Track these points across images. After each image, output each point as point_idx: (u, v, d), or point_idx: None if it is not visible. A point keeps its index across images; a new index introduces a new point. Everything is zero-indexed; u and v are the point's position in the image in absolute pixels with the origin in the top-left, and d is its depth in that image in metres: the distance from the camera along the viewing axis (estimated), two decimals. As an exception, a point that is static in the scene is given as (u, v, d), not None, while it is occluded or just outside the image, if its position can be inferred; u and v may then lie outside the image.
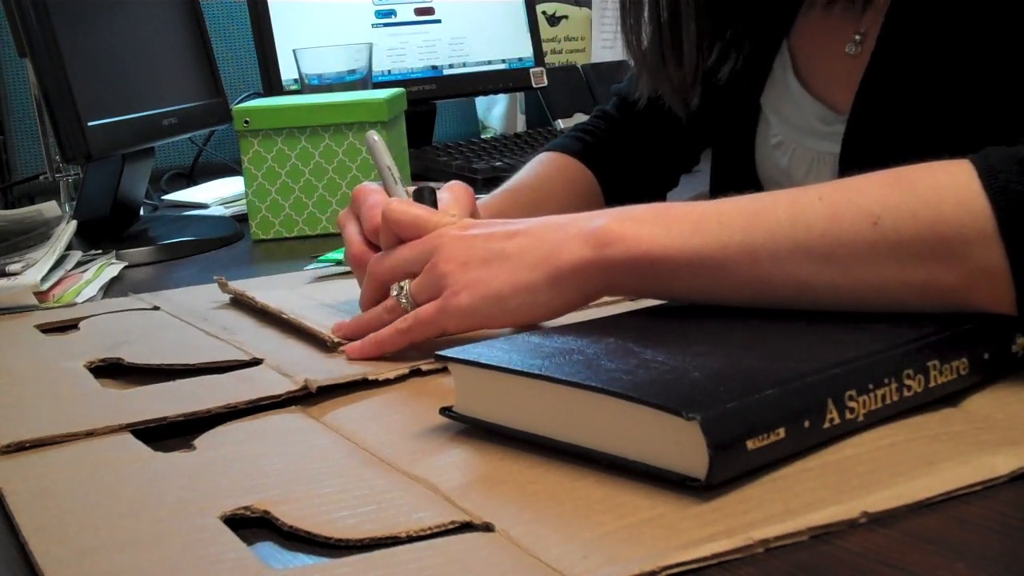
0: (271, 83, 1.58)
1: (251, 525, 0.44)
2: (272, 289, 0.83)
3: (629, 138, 1.04)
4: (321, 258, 0.95)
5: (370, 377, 0.60)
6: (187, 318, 0.79)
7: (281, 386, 0.59)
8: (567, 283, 0.60)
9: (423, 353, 0.63)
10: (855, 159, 0.81)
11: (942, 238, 0.53)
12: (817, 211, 0.56)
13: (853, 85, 0.82)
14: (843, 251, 0.55)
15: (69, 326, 0.81)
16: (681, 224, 0.58)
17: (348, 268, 0.79)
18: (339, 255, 0.92)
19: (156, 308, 0.84)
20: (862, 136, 0.81)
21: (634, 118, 1.03)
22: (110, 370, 0.68)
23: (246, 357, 0.66)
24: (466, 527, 0.42)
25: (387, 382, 0.60)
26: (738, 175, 0.93)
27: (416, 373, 0.61)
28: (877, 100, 0.80)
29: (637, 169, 1.04)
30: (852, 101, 0.81)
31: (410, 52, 1.71)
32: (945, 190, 0.54)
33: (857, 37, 0.85)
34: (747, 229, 0.57)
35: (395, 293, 0.65)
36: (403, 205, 0.67)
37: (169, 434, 0.55)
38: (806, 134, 0.88)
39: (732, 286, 0.58)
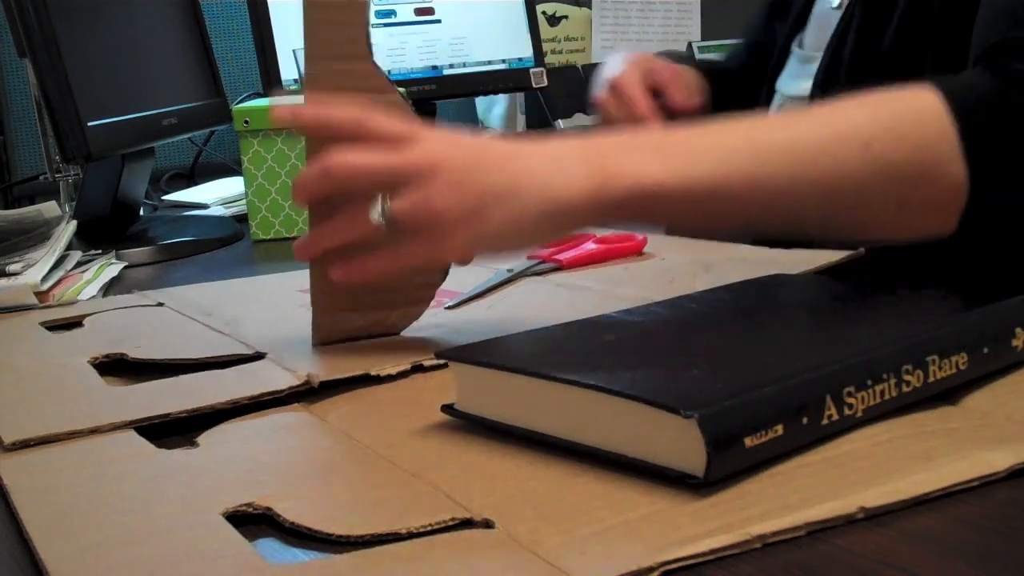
0: (271, 83, 1.59)
1: (253, 522, 0.44)
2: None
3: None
4: None
5: (372, 372, 0.60)
6: (191, 314, 0.79)
7: (283, 381, 0.60)
8: (564, 218, 0.59)
9: (424, 349, 0.63)
10: (830, 89, 0.87)
11: (923, 160, 0.60)
12: (813, 136, 0.60)
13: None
14: (838, 171, 0.59)
15: (74, 323, 0.81)
16: (683, 154, 0.59)
17: None
18: None
19: (160, 304, 0.84)
20: (830, 73, 0.87)
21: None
22: (114, 366, 0.68)
23: (249, 351, 0.67)
24: (466, 524, 0.42)
25: (389, 378, 0.61)
26: None
27: (418, 368, 0.61)
28: (856, 28, 0.86)
29: None
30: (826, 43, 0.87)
31: (410, 52, 1.72)
32: (922, 115, 0.60)
33: None
34: (748, 158, 0.59)
35: (376, 216, 0.60)
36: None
37: (172, 431, 0.55)
38: (794, 87, 0.93)
39: (731, 214, 0.61)
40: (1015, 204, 0.62)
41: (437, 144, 0.60)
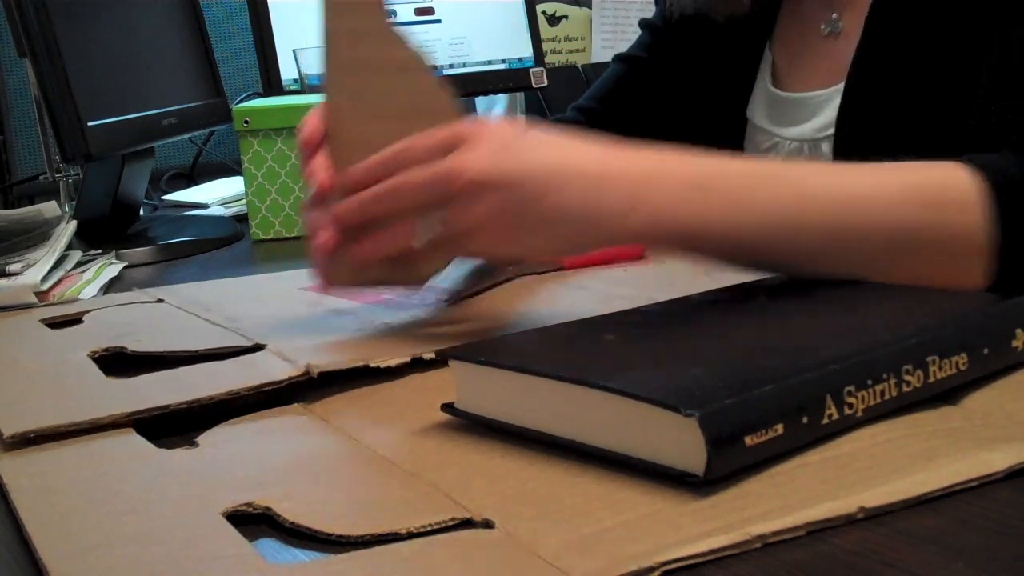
0: (271, 83, 1.58)
1: (252, 522, 0.44)
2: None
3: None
4: None
5: (372, 364, 0.60)
6: (191, 309, 0.79)
7: (282, 371, 0.60)
8: (599, 244, 0.62)
9: (424, 342, 0.63)
10: (852, 129, 0.84)
11: (963, 246, 0.62)
12: (855, 217, 0.61)
13: (834, 62, 0.86)
14: (879, 254, 0.62)
15: (74, 320, 0.81)
16: (728, 200, 0.60)
17: None
18: None
19: (160, 301, 0.84)
20: (858, 105, 0.83)
21: (607, 120, 1.03)
22: (114, 360, 0.69)
23: (248, 343, 0.67)
24: (466, 524, 0.42)
25: (388, 370, 0.61)
26: None
27: (418, 361, 0.61)
28: (872, 69, 0.83)
29: None
30: (846, 73, 0.84)
31: (410, 52, 1.71)
32: (964, 203, 0.62)
33: (834, 16, 0.88)
34: (785, 218, 0.60)
35: (422, 235, 0.61)
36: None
37: (172, 431, 0.55)
38: (796, 130, 0.90)
39: (758, 262, 0.63)
40: None
41: (479, 161, 0.59)
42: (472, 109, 2.07)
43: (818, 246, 0.61)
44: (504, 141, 0.59)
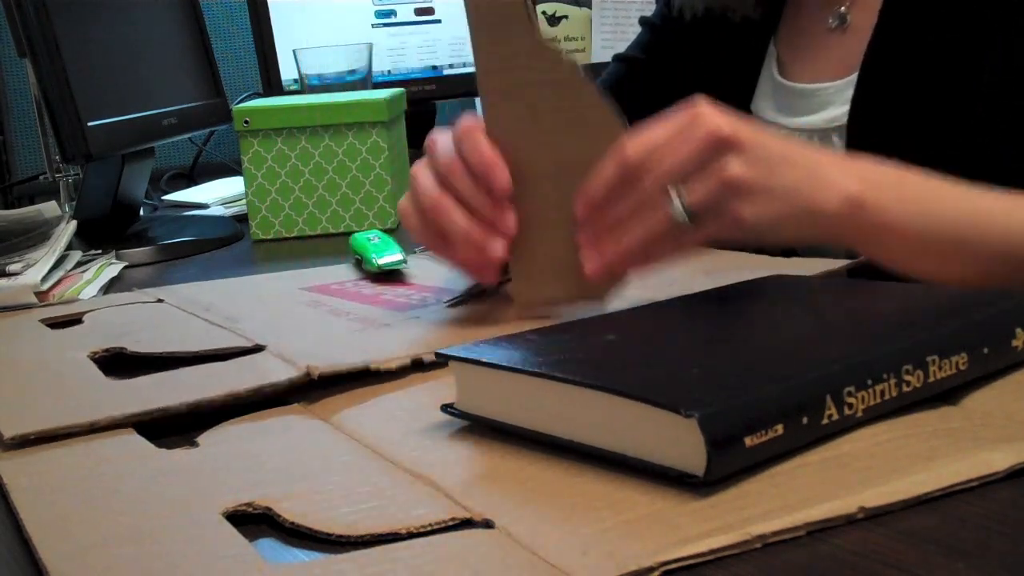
0: (271, 83, 1.59)
1: (252, 521, 0.44)
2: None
3: None
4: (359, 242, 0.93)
5: (372, 367, 0.60)
6: (191, 309, 0.79)
7: (283, 373, 0.60)
8: (814, 226, 0.63)
9: (424, 344, 0.63)
10: (864, 121, 0.84)
11: None
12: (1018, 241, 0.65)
13: (843, 55, 0.87)
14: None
15: (74, 320, 0.81)
16: (915, 198, 0.64)
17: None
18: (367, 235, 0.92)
19: (160, 301, 0.84)
20: (871, 97, 0.84)
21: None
22: (114, 360, 0.69)
23: (248, 344, 0.67)
24: (466, 524, 0.42)
25: (389, 373, 0.61)
26: None
27: (418, 364, 0.61)
28: (886, 61, 0.83)
29: None
30: (856, 65, 0.85)
31: (410, 52, 1.72)
32: None
33: (842, 9, 0.88)
34: (960, 228, 0.64)
35: (676, 209, 0.60)
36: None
37: (172, 431, 0.55)
38: (805, 120, 0.90)
39: (915, 263, 0.65)
40: None
41: (728, 124, 0.60)
42: (472, 110, 2.07)
43: (978, 262, 0.64)
44: (729, 115, 0.61)
